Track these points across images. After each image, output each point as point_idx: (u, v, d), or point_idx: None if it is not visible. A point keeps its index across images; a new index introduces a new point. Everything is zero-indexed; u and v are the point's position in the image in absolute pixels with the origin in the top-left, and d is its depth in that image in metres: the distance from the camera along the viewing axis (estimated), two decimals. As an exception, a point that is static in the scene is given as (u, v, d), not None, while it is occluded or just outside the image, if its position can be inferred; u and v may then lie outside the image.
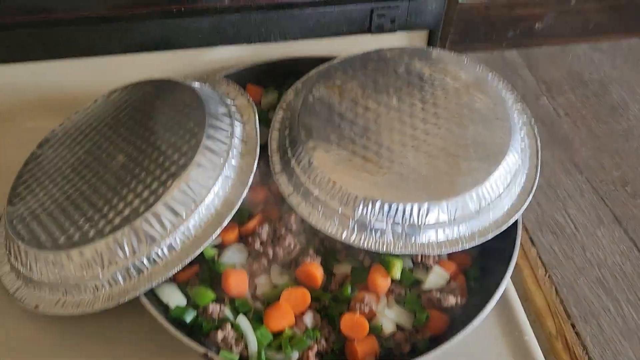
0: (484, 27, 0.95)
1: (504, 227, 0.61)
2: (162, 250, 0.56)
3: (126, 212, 0.57)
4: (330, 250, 0.64)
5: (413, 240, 0.59)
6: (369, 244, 0.59)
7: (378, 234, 0.59)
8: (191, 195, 0.57)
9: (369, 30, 0.77)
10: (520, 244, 0.63)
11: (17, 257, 0.61)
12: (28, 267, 0.60)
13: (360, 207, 0.59)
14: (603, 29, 1.00)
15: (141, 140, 0.64)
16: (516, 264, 0.62)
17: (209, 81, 0.73)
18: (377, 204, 0.59)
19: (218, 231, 0.57)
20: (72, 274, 0.57)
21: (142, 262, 0.56)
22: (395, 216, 0.59)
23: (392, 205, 0.58)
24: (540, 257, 0.72)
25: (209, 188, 0.58)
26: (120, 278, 0.56)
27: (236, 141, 0.63)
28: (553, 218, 0.76)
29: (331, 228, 0.60)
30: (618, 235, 0.74)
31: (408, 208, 0.58)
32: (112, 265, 0.56)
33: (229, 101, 0.68)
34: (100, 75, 0.77)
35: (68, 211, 0.60)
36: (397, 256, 0.61)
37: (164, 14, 0.72)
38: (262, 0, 0.74)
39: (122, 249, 0.55)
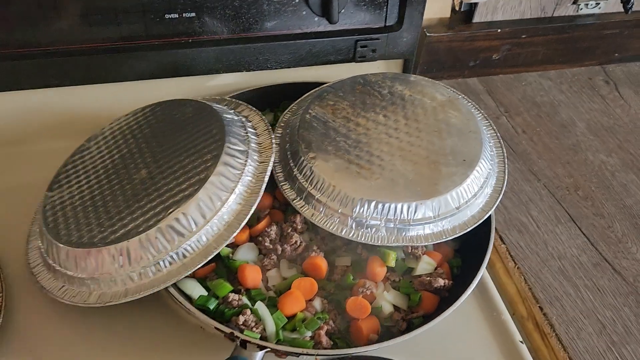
0: (449, 57, 1.08)
1: (480, 222, 0.71)
2: (190, 245, 0.63)
3: (158, 209, 0.64)
4: (331, 247, 0.72)
5: (404, 234, 0.68)
6: (366, 239, 0.67)
7: (373, 230, 0.68)
8: (214, 199, 0.65)
9: (353, 59, 0.88)
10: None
11: (50, 254, 0.67)
12: (58, 263, 0.66)
13: (358, 207, 0.68)
14: (550, 60, 1.14)
15: (162, 155, 0.71)
16: (490, 258, 0.71)
17: (221, 102, 0.81)
18: (372, 204, 0.67)
19: (240, 227, 0.64)
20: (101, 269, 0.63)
21: (172, 257, 0.63)
22: (388, 214, 0.68)
23: (385, 205, 0.67)
24: (509, 252, 0.82)
25: (230, 191, 0.66)
26: (150, 272, 0.63)
27: (252, 153, 0.71)
28: (518, 219, 0.87)
29: (332, 226, 0.68)
30: (574, 232, 0.85)
31: (399, 207, 0.67)
32: (144, 260, 0.62)
33: (248, 123, 0.76)
34: (113, 100, 0.85)
35: (98, 211, 0.67)
36: (392, 247, 0.70)
37: (174, 45, 0.81)
38: (261, 33, 0.84)
39: (154, 245, 0.62)
